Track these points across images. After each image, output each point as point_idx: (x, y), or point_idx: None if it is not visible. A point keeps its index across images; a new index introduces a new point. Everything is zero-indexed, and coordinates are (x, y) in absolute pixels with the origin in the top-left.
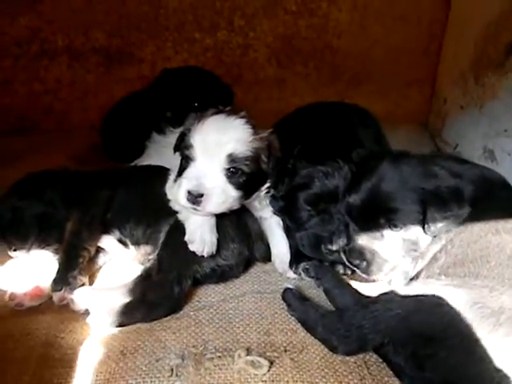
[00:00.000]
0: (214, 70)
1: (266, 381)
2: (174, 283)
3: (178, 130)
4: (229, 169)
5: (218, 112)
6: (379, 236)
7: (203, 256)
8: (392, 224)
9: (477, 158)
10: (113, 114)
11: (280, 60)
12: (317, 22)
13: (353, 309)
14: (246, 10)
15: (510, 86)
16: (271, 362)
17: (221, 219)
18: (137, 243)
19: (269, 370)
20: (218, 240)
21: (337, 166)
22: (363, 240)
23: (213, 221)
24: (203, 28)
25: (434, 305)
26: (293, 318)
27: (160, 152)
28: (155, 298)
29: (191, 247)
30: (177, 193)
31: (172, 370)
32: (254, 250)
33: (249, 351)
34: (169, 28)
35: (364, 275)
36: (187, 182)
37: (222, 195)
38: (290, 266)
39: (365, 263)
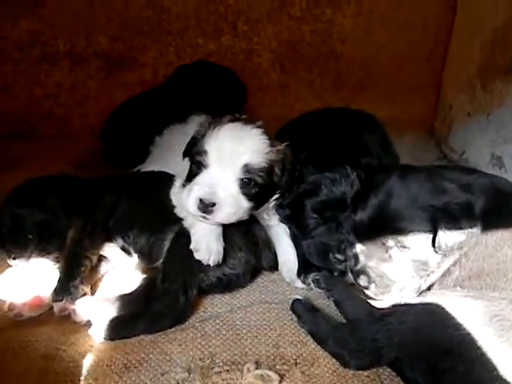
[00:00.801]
0: None
1: None
2: (179, 292)
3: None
4: (243, 179)
5: (234, 119)
6: (387, 257)
7: (209, 265)
8: (401, 245)
9: (484, 164)
10: (114, 118)
11: (284, 65)
12: (321, 28)
13: (365, 321)
14: (250, 15)
15: None
16: (281, 376)
17: (227, 227)
18: (140, 251)
19: None
20: (225, 248)
21: (344, 173)
22: (370, 261)
23: (219, 229)
24: (206, 33)
25: (451, 317)
26: (302, 329)
27: (164, 157)
28: (160, 308)
29: (197, 256)
30: (186, 199)
31: None
32: (261, 258)
33: (258, 364)
34: (171, 33)
35: (372, 296)
36: (199, 189)
37: (234, 205)
38: (298, 275)
39: (373, 285)
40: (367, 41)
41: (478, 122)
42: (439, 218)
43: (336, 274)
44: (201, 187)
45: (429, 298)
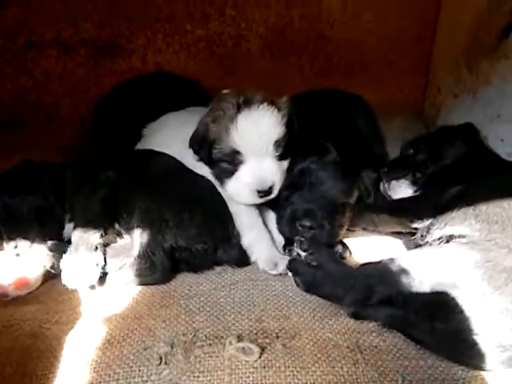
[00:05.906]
0: (206, 61)
1: (257, 367)
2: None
3: None
4: (277, 154)
5: (239, 107)
6: None
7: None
8: None
9: None
10: (103, 106)
11: (273, 51)
12: (309, 12)
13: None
14: None
15: (503, 72)
16: (262, 349)
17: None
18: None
19: (260, 357)
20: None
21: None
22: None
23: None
24: (194, 19)
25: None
26: (285, 304)
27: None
28: (140, 268)
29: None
30: (240, 194)
31: (161, 358)
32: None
33: (240, 338)
34: (160, 19)
35: None
36: (251, 183)
37: (282, 175)
38: (284, 249)
39: None
40: (355, 24)
41: (465, 102)
42: None
43: None
44: (251, 181)
45: (420, 250)
